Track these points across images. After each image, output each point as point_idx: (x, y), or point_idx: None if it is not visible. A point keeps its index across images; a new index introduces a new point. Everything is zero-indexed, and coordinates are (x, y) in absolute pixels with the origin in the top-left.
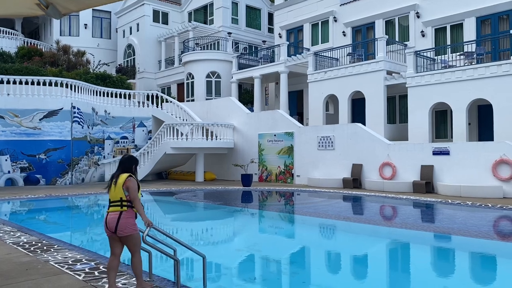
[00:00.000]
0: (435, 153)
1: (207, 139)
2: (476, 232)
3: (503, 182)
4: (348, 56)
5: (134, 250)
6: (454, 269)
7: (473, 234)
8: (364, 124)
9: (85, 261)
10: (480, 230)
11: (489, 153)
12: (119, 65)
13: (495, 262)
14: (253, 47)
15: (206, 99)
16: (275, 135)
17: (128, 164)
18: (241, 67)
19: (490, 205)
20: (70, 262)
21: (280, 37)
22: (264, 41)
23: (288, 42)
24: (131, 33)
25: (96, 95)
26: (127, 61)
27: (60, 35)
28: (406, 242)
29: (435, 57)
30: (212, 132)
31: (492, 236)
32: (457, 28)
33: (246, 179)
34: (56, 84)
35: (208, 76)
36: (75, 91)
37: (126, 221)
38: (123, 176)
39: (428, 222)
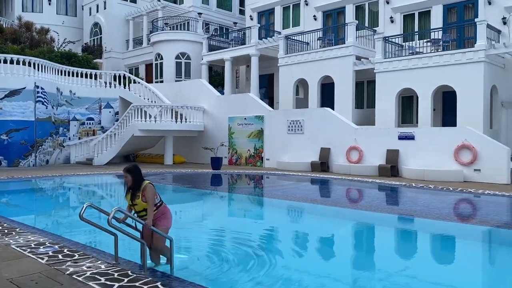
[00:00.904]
0: (401, 137)
1: (176, 121)
2: (438, 214)
3: (464, 166)
4: (318, 41)
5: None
6: (416, 250)
7: (435, 216)
8: (333, 108)
9: (49, 245)
10: (441, 212)
11: (451, 138)
12: (85, 44)
13: (454, 243)
14: (224, 29)
15: (176, 81)
16: (245, 118)
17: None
18: (211, 48)
19: (451, 189)
20: (33, 246)
21: (252, 19)
22: (235, 23)
23: (259, 25)
24: (97, 11)
25: (61, 74)
26: (94, 40)
27: (22, 10)
28: (371, 224)
29: (403, 44)
30: (181, 115)
31: (452, 218)
32: (425, 15)
33: (216, 162)
34: (18, 62)
35: (177, 57)
36: (38, 70)
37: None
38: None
39: (392, 204)
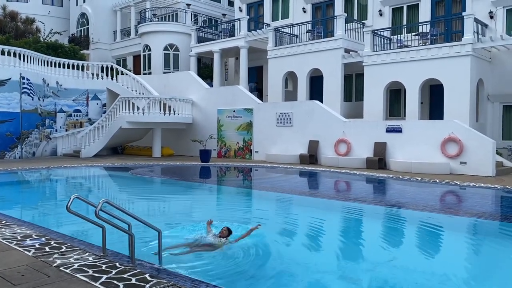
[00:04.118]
0: (388, 130)
1: (164, 113)
2: (424, 205)
3: (450, 159)
4: (307, 33)
5: None
6: (402, 240)
7: (421, 208)
8: (322, 101)
9: (35, 237)
10: (428, 204)
11: (438, 131)
12: (72, 34)
13: (440, 233)
14: (213, 20)
15: (164, 73)
16: (234, 111)
17: None
18: (200, 40)
19: (437, 181)
20: (19, 238)
21: (241, 11)
22: (224, 15)
23: (248, 17)
24: (84, 1)
25: (47, 65)
26: (80, 30)
27: (7, 0)
28: (359, 215)
29: (392, 37)
30: (170, 107)
31: (439, 209)
32: (413, 8)
33: (205, 155)
34: (3, 53)
35: (166, 48)
36: (24, 60)
37: None
38: None
39: (380, 196)
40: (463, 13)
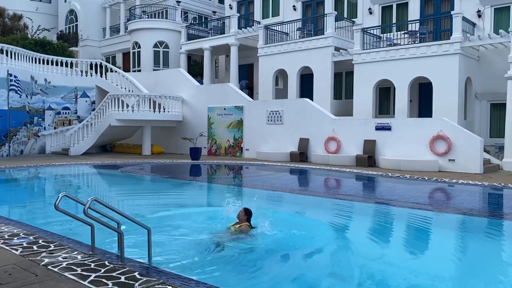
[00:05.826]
0: (378, 128)
1: (154, 111)
2: (413, 202)
3: (438, 157)
4: (298, 31)
5: None
6: (391, 237)
7: (411, 205)
8: (312, 99)
9: (23, 236)
10: (417, 200)
11: (427, 129)
12: (60, 31)
13: (429, 230)
14: (203, 18)
15: (154, 70)
16: (225, 108)
17: None
18: (190, 37)
19: (426, 178)
20: (6, 237)
21: (231, 8)
22: (214, 12)
23: (238, 14)
24: None
25: (35, 62)
26: (69, 27)
27: None
28: (348, 212)
29: (381, 35)
30: (159, 104)
31: (427, 206)
32: (403, 7)
33: (195, 153)
34: None
35: (155, 45)
36: (11, 57)
37: None
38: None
39: (369, 193)
40: (452, 12)
